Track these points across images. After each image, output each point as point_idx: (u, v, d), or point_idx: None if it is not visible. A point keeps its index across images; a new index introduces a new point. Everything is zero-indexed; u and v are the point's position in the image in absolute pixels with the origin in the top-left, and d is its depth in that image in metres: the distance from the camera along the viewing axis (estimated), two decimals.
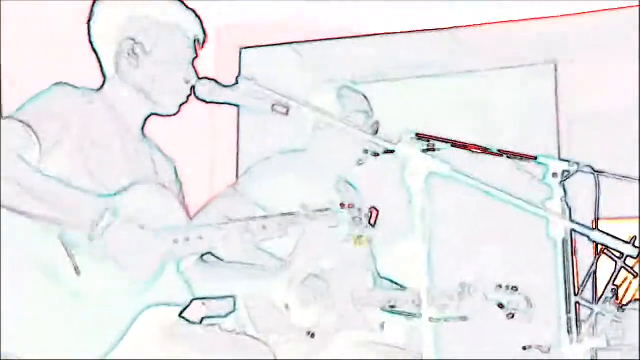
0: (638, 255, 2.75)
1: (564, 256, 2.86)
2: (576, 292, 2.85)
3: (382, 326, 3.31)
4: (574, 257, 2.93)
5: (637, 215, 3.63)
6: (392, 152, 2.77)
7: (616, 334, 3.34)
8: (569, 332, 2.85)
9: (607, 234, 2.77)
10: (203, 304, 3.04)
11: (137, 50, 2.86)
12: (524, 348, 3.31)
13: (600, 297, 2.89)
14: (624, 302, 3.45)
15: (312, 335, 3.15)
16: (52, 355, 2.63)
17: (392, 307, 3.23)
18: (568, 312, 2.86)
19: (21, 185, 2.62)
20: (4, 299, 2.61)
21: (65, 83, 2.85)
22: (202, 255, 3.00)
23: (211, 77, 2.91)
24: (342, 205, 3.02)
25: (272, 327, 3.13)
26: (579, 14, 3.79)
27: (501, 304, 3.12)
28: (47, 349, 2.64)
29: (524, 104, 3.84)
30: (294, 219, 2.90)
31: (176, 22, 2.90)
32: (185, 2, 2.99)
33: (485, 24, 3.83)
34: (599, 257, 2.84)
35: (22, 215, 2.64)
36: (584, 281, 2.88)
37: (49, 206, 2.65)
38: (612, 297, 3.32)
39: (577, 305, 2.87)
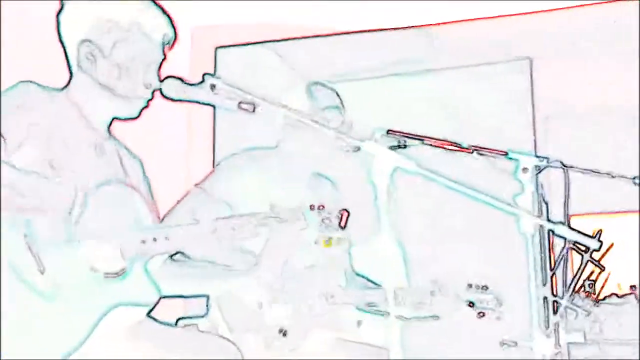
0: (600, 248, 2.76)
1: (541, 250, 2.88)
2: (545, 284, 2.86)
3: (359, 324, 3.31)
4: (551, 252, 2.95)
5: (610, 210, 3.64)
6: (358, 149, 2.78)
7: (592, 329, 3.35)
8: (540, 325, 2.87)
9: (572, 229, 2.79)
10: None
11: (94, 52, 2.86)
12: (501, 345, 3.31)
13: (569, 289, 2.89)
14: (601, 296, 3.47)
15: (284, 334, 3.16)
16: (19, 354, 2.63)
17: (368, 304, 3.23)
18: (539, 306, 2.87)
19: None
20: None
21: (31, 81, 2.85)
22: (172, 255, 3.00)
23: (186, 76, 2.92)
24: (311, 206, 3.01)
25: (244, 325, 3.14)
26: (554, 10, 3.79)
27: (471, 303, 3.12)
28: (14, 347, 2.64)
29: (500, 101, 3.84)
30: (262, 220, 2.90)
31: (138, 23, 2.89)
32: (158, 1, 2.99)
33: (460, 21, 3.83)
34: (565, 252, 2.85)
35: None
36: (551, 274, 2.89)
37: (20, 197, 2.66)
38: (588, 292, 3.34)
39: (546, 299, 2.88)
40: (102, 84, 2.87)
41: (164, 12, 2.97)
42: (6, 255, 2.67)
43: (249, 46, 3.97)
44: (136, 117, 2.94)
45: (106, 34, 2.86)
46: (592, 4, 3.75)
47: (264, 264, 3.14)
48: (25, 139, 2.73)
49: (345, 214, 3.10)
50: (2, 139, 2.69)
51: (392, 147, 2.83)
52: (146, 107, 2.92)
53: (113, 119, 2.95)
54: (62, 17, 2.91)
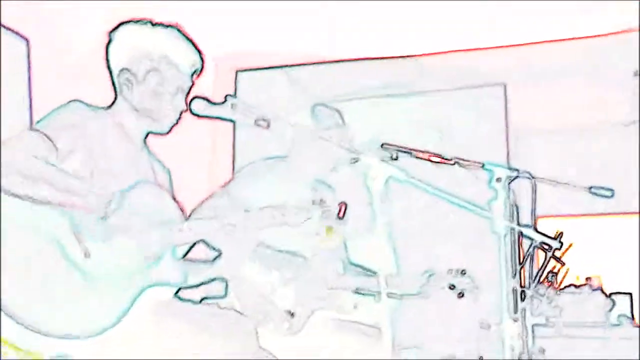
0: (561, 247, 2.78)
1: (511, 247, 2.90)
2: (514, 276, 2.88)
3: (355, 307, 3.33)
4: (520, 248, 2.97)
5: (570, 213, 3.67)
6: (357, 160, 2.81)
7: (553, 313, 3.39)
8: (509, 311, 2.88)
9: (537, 231, 2.80)
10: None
11: (131, 79, 2.92)
12: (481, 325, 3.35)
13: (534, 280, 2.91)
14: (561, 286, 3.51)
15: (292, 315, 3.18)
16: (63, 328, 2.67)
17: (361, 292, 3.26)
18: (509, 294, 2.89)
19: (43, 180, 2.67)
20: (20, 278, 2.65)
21: (79, 100, 2.90)
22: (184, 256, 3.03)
23: (210, 95, 2.95)
24: (314, 201, 3.05)
25: (256, 307, 3.16)
26: (526, 44, 3.83)
27: (452, 285, 3.15)
28: (59, 322, 2.66)
29: (478, 120, 3.87)
30: (271, 213, 2.94)
31: (167, 56, 2.92)
32: (187, 34, 3.02)
33: (446, 52, 3.88)
34: (532, 250, 2.87)
35: (41, 205, 2.67)
36: (519, 268, 2.91)
37: (67, 193, 2.69)
38: (550, 283, 3.37)
39: (515, 289, 2.90)
40: (137, 106, 2.92)
41: (194, 45, 3.00)
42: (56, 241, 2.70)
43: (265, 70, 4.01)
44: (167, 133, 2.99)
45: (140, 63, 2.90)
46: (558, 40, 3.79)
47: (271, 252, 3.16)
48: (73, 150, 2.77)
49: (343, 206, 3.13)
50: (54, 149, 2.74)
51: (385, 159, 2.86)
52: (175, 124, 2.97)
53: (148, 133, 2.99)
54: (110, 48, 2.96)
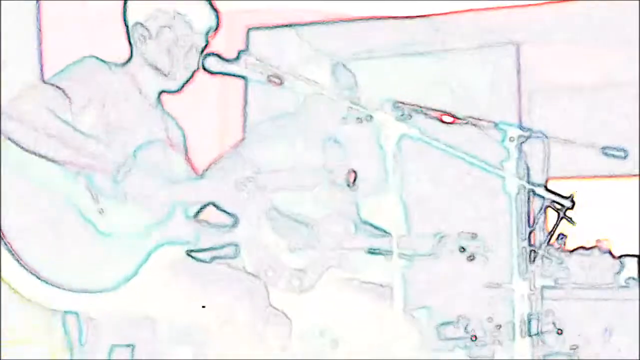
0: (573, 207, 2.78)
1: (522, 208, 2.90)
2: (524, 238, 2.89)
3: (365, 266, 3.33)
4: (531, 210, 2.97)
5: (582, 175, 3.66)
6: (371, 117, 2.80)
7: (562, 275, 3.40)
8: (519, 271, 2.90)
9: (550, 190, 2.80)
10: None
11: (144, 34, 2.90)
12: (486, 286, 3.35)
13: (545, 241, 2.92)
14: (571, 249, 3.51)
15: (303, 274, 3.19)
16: (78, 283, 2.68)
17: (372, 251, 3.26)
18: (519, 255, 2.90)
19: (58, 138, 2.67)
20: (35, 234, 2.67)
21: (93, 56, 2.89)
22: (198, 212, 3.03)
23: (218, 52, 2.94)
24: (324, 167, 3.04)
25: (266, 266, 3.17)
26: (541, 3, 3.79)
27: (462, 248, 3.15)
28: (74, 278, 2.69)
29: (491, 79, 3.85)
30: (281, 177, 2.94)
31: (181, 12, 2.92)
32: None
33: (459, 12, 3.84)
34: (543, 210, 2.87)
35: (57, 164, 2.68)
36: (530, 229, 2.91)
37: (81, 154, 2.70)
38: (560, 245, 3.37)
39: (525, 249, 2.91)
40: (150, 62, 2.90)
41: (210, 3, 2.99)
42: (71, 200, 2.72)
43: (277, 28, 3.98)
44: (179, 91, 2.98)
45: (155, 19, 2.89)
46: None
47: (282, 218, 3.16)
48: (88, 105, 2.77)
49: (354, 173, 3.13)
50: (69, 103, 2.73)
51: (398, 118, 2.85)
52: (187, 83, 2.96)
53: (161, 91, 2.98)
54: (127, 4, 2.95)
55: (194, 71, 2.93)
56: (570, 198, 2.79)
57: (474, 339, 3.26)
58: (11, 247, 2.62)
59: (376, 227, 3.34)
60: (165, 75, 2.92)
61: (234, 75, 2.92)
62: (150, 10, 2.90)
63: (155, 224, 2.80)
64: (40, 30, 3.47)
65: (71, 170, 2.70)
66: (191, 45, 2.93)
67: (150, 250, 2.79)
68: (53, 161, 2.67)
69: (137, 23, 2.90)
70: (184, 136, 3.10)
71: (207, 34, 2.97)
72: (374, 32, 3.96)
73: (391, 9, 3.89)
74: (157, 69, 2.91)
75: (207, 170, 3.24)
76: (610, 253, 3.61)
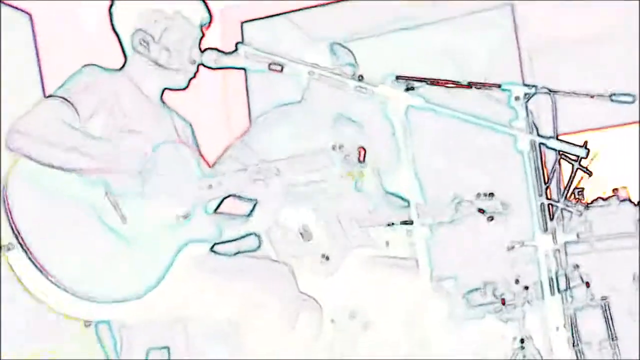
0: (587, 155, 2.78)
1: (536, 164, 2.90)
2: (541, 194, 2.89)
3: (387, 243, 3.36)
4: (544, 167, 2.97)
5: (593, 127, 3.67)
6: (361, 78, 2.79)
7: (584, 228, 3.40)
8: (540, 227, 2.90)
9: (562, 141, 2.80)
10: None
11: (147, 39, 2.92)
12: (509, 249, 3.36)
13: (563, 194, 2.91)
14: (589, 201, 3.52)
15: (327, 258, 3.21)
16: (105, 289, 2.71)
17: (391, 224, 3.27)
18: (538, 211, 2.90)
19: (74, 148, 2.69)
20: (61, 246, 2.69)
21: (93, 64, 2.91)
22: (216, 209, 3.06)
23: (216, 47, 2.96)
24: (333, 147, 3.06)
25: (291, 253, 3.19)
26: None
27: (481, 209, 3.16)
28: (102, 288, 2.72)
29: (489, 42, 3.85)
30: (293, 162, 2.95)
31: (180, 11, 2.95)
32: None
33: None
34: (559, 161, 2.87)
35: (76, 174, 2.71)
36: (547, 185, 2.91)
37: (100, 160, 2.72)
38: (578, 199, 3.37)
39: (544, 205, 2.91)
40: (157, 62, 2.93)
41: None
42: (93, 209, 2.74)
43: (270, 18, 3.99)
44: (185, 87, 3.00)
45: (155, 22, 2.91)
46: None
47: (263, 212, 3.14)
48: (95, 112, 2.79)
49: (363, 150, 3.15)
50: (77, 113, 2.76)
51: (402, 90, 2.85)
52: (193, 77, 2.97)
53: (164, 89, 3.00)
54: (114, 10, 2.97)
55: (199, 65, 2.95)
56: (584, 146, 2.77)
57: (503, 302, 3.26)
58: (37, 261, 2.64)
59: (401, 197, 3.33)
60: (174, 72, 2.93)
61: (234, 68, 2.93)
62: (147, 12, 2.91)
63: (177, 226, 2.81)
64: (36, 44, 3.50)
65: (90, 178, 2.72)
66: (192, 40, 2.95)
67: (175, 253, 2.81)
68: (72, 171, 2.69)
69: (138, 30, 2.92)
70: (192, 131, 3.13)
71: (201, 26, 2.99)
72: (365, 10, 3.97)
73: None
74: (163, 68, 2.92)
75: (216, 162, 3.27)
76: (630, 200, 3.62)
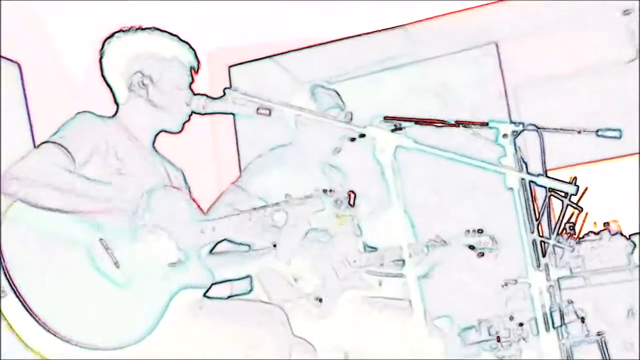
0: (577, 192, 2.79)
1: (526, 202, 2.91)
2: (532, 231, 2.90)
3: (380, 283, 3.36)
4: (534, 203, 2.99)
5: (580, 161, 3.69)
6: (364, 135, 2.82)
7: (576, 263, 3.41)
8: (533, 264, 2.90)
9: (551, 178, 2.82)
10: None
11: (145, 81, 2.95)
12: (503, 286, 3.36)
13: (554, 231, 2.92)
14: (580, 235, 3.53)
15: (320, 300, 3.21)
16: (99, 336, 2.70)
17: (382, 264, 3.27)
18: (530, 248, 2.91)
19: (70, 191, 2.70)
20: (55, 293, 2.68)
21: (86, 111, 2.93)
22: (211, 250, 3.07)
23: (204, 93, 2.99)
24: (324, 191, 3.08)
25: (284, 296, 3.19)
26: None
27: (471, 246, 3.17)
28: (95, 334, 2.70)
29: (475, 81, 3.90)
30: (287, 205, 2.96)
31: (175, 55, 2.98)
32: (179, 36, 3.07)
33: (433, 17, 3.90)
34: (547, 200, 2.88)
35: (70, 216, 2.72)
36: (537, 222, 2.92)
37: (96, 201, 2.73)
38: (569, 234, 3.39)
39: (536, 241, 2.92)
40: (151, 107, 2.95)
41: (189, 44, 3.05)
42: (85, 254, 2.75)
43: (256, 62, 4.03)
44: (180, 131, 3.03)
45: (152, 65, 2.95)
46: None
47: (286, 243, 3.13)
48: (89, 159, 2.81)
49: (353, 194, 3.16)
50: (72, 159, 2.77)
51: (390, 130, 2.87)
52: (187, 121, 3.00)
53: (158, 133, 3.02)
54: (104, 61, 3.00)
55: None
56: (573, 182, 2.79)
57: (498, 340, 3.26)
58: (30, 308, 2.63)
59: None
60: (170, 115, 2.96)
61: (223, 113, 2.96)
62: (144, 56, 2.95)
63: (170, 271, 2.81)
64: (25, 97, 3.53)
65: (83, 223, 2.72)
66: (186, 83, 2.99)
67: (168, 299, 2.80)
68: (68, 213, 2.69)
69: (137, 72, 2.94)
70: (184, 178, 3.14)
71: (190, 70, 3.03)
72: (350, 51, 4.02)
73: (363, 26, 3.95)
74: (160, 110, 2.95)
75: (212, 208, 3.28)
76: (621, 234, 3.64)
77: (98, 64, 3.01)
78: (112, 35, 2.99)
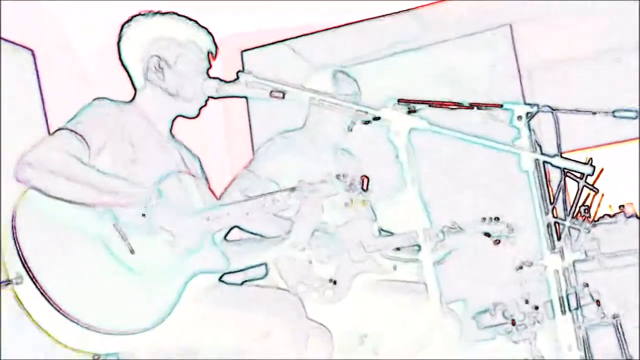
0: (593, 172, 2.77)
1: (541, 184, 2.89)
2: (547, 213, 2.88)
3: (395, 268, 3.35)
4: (549, 185, 2.97)
5: (596, 143, 3.67)
6: (378, 118, 2.80)
7: (591, 246, 3.40)
8: (548, 247, 2.89)
9: (566, 158, 2.79)
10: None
11: (162, 65, 2.94)
12: (518, 269, 3.35)
13: (569, 213, 2.90)
14: (596, 218, 3.52)
15: (335, 282, 3.20)
16: (115, 321, 2.70)
17: (397, 249, 3.27)
18: (546, 231, 2.89)
19: (83, 182, 2.70)
20: (71, 279, 2.69)
21: (103, 97, 2.92)
22: (225, 236, 3.06)
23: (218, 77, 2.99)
24: (337, 176, 3.07)
25: (299, 280, 3.19)
26: None
27: (487, 233, 3.16)
28: (111, 320, 2.71)
29: (488, 63, 3.88)
30: (299, 191, 2.96)
31: (192, 39, 2.98)
32: (197, 20, 3.06)
33: (445, 0, 3.88)
34: (564, 179, 2.86)
35: (83, 207, 2.71)
36: (552, 204, 2.90)
37: (108, 194, 2.73)
38: (584, 216, 3.37)
39: (550, 224, 2.90)
40: (167, 91, 2.94)
41: (207, 29, 3.05)
42: (101, 241, 2.75)
43: (269, 46, 4.02)
44: (196, 116, 3.02)
45: (169, 49, 2.94)
46: None
47: (296, 230, 3.11)
48: (104, 146, 2.81)
49: (366, 179, 3.15)
50: (87, 146, 2.77)
51: (405, 113, 2.85)
52: (204, 106, 2.99)
53: (175, 118, 3.01)
54: (122, 45, 2.99)
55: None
56: (589, 163, 2.77)
57: (513, 323, 3.25)
58: (46, 293, 2.64)
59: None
60: (187, 99, 2.95)
61: (235, 97, 2.95)
62: (161, 40, 2.94)
63: (185, 257, 2.81)
64: (39, 83, 3.53)
65: (98, 211, 2.73)
66: (203, 68, 2.97)
67: (183, 284, 2.80)
68: (80, 204, 2.69)
69: (153, 55, 2.93)
70: (200, 164, 3.14)
71: (208, 55, 3.02)
72: (363, 35, 4.01)
73: (374, 10, 3.93)
74: (176, 95, 2.94)
75: (225, 193, 3.28)
76: (636, 216, 3.61)
77: (116, 48, 3.00)
78: (130, 20, 2.98)
